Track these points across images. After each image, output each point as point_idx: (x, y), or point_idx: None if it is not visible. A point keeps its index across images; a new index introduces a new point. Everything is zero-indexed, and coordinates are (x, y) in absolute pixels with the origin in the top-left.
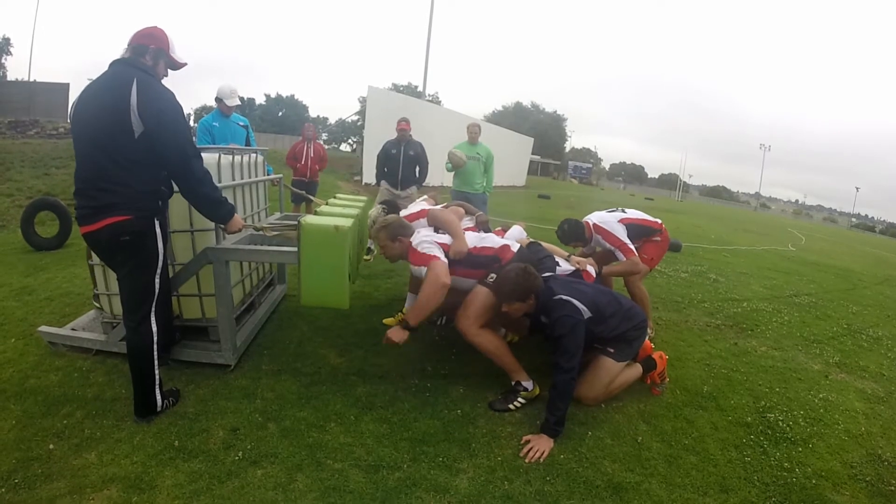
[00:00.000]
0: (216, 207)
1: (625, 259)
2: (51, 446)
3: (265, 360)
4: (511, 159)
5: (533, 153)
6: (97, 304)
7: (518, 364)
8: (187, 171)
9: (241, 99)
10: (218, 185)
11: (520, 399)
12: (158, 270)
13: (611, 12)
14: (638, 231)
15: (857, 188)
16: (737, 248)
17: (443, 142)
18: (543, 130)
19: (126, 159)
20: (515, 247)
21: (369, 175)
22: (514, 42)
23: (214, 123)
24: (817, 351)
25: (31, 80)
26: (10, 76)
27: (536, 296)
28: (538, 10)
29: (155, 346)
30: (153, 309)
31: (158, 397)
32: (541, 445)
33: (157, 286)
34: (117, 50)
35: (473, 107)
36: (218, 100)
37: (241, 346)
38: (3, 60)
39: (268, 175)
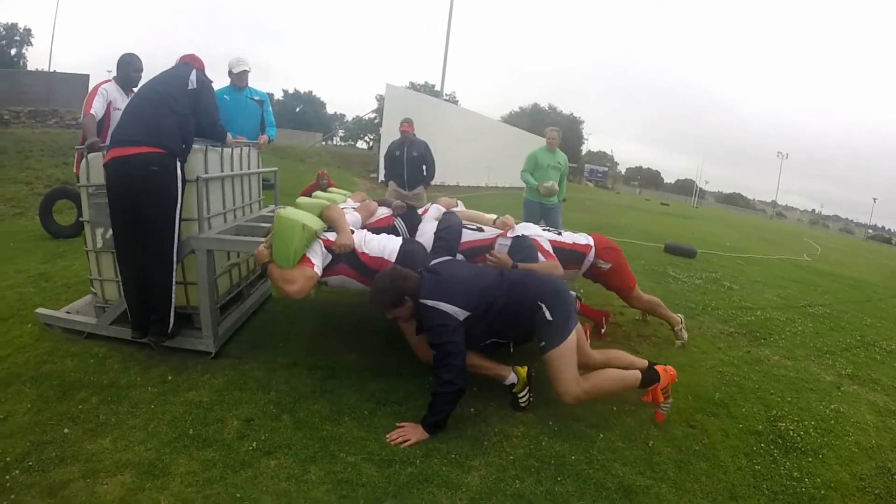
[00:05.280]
0: (220, 137)
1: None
2: (65, 430)
3: (280, 353)
4: None
5: None
6: (93, 290)
7: (492, 365)
8: (213, 121)
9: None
10: (205, 174)
11: (520, 398)
12: (178, 211)
13: (627, 15)
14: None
15: (874, 199)
16: (751, 256)
17: (459, 141)
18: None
19: (173, 106)
20: (394, 256)
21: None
22: (531, 43)
23: (225, 97)
24: (830, 362)
25: (51, 70)
26: (30, 67)
27: (413, 297)
28: (556, 11)
29: (174, 274)
30: (174, 245)
31: (171, 319)
32: (409, 434)
33: (176, 226)
34: (135, 43)
35: (491, 107)
36: (229, 73)
37: (224, 334)
38: (23, 51)
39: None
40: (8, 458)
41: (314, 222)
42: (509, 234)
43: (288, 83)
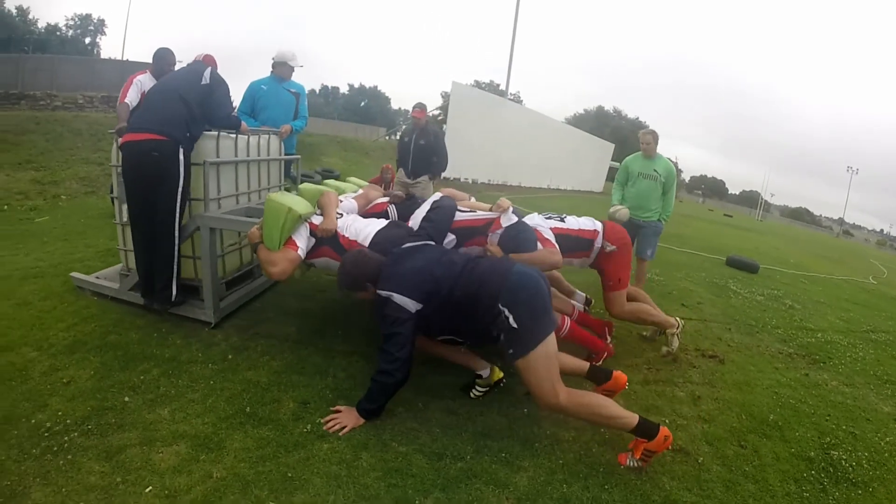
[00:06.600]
0: (233, 125)
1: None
2: (126, 399)
3: (339, 341)
4: (590, 164)
5: (613, 159)
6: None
7: (468, 356)
8: (227, 112)
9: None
10: (217, 159)
11: (477, 388)
12: (180, 192)
13: (696, 17)
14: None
15: None
16: (815, 275)
17: (522, 142)
18: (624, 137)
19: (183, 99)
20: (368, 240)
21: (449, 169)
22: (598, 44)
23: (262, 86)
24: (889, 392)
25: (124, 59)
26: (103, 55)
27: (372, 282)
28: (624, 8)
29: (177, 246)
30: (176, 222)
31: (174, 289)
32: (344, 420)
33: (178, 205)
34: (204, 37)
35: (555, 108)
36: (276, 64)
37: (227, 307)
38: (97, 40)
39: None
40: (68, 421)
41: (303, 207)
42: (503, 222)
43: (353, 77)
